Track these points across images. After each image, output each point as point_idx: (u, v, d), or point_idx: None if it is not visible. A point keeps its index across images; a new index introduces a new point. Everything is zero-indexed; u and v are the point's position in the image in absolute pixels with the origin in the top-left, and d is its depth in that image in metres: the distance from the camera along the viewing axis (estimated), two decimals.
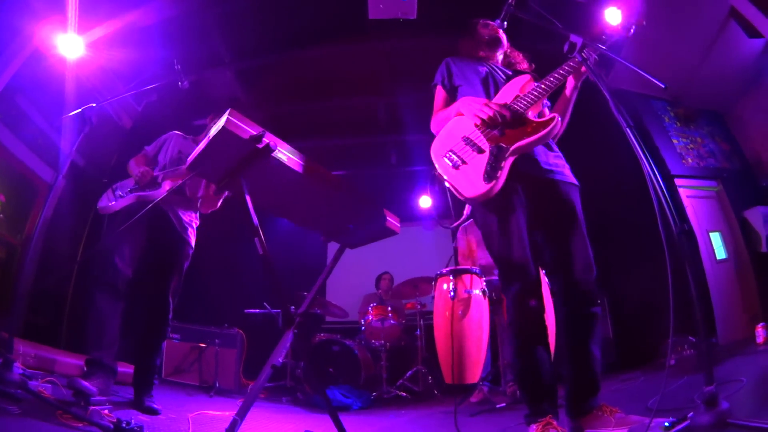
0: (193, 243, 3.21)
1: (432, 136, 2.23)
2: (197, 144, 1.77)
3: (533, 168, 2.10)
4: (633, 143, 1.64)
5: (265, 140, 1.65)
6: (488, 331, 3.98)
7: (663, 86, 1.77)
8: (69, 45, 3.32)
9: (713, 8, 4.54)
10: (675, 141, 5.35)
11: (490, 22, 2.50)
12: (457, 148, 2.06)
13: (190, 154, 1.83)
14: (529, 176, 2.07)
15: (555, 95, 2.21)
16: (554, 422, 1.78)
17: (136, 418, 2.36)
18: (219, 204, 3.35)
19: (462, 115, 2.16)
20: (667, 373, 2.84)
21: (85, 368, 2.69)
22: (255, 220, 1.81)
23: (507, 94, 2.18)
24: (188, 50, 5.10)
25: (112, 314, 2.80)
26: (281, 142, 1.75)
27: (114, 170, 5.05)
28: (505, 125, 2.01)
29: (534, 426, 1.80)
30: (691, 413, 1.34)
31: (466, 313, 3.93)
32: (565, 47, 1.97)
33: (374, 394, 4.71)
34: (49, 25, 3.68)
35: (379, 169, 7.89)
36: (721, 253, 4.83)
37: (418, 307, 5.50)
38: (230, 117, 1.61)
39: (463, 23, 2.66)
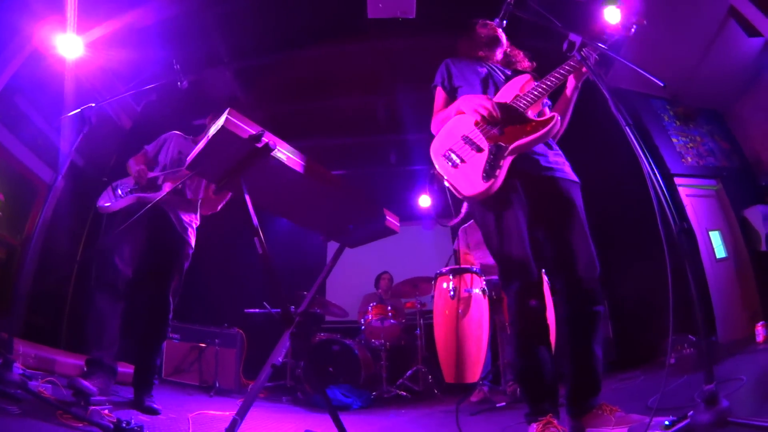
0: (193, 243, 3.21)
1: (432, 136, 2.23)
2: (197, 144, 1.76)
3: (533, 166, 2.10)
4: (632, 142, 1.64)
5: (265, 139, 1.64)
6: (488, 331, 3.98)
7: (662, 85, 1.77)
8: (68, 45, 3.32)
9: (712, 7, 4.54)
10: (674, 140, 5.35)
11: (489, 22, 2.50)
12: (457, 147, 2.06)
13: (190, 154, 1.83)
14: (528, 174, 2.07)
15: (555, 95, 2.21)
16: (555, 421, 1.78)
17: (137, 418, 2.36)
18: (219, 207, 3.36)
19: (462, 113, 2.16)
20: (667, 371, 2.84)
21: (85, 368, 2.69)
22: (254, 219, 1.81)
23: (507, 93, 2.18)
24: (187, 50, 5.10)
25: (112, 314, 2.80)
26: (281, 141, 1.74)
27: (113, 170, 5.05)
28: (505, 124, 2.01)
29: (534, 425, 1.80)
30: (691, 412, 1.34)
31: (466, 312, 3.93)
32: (564, 46, 1.97)
33: (374, 393, 4.72)
34: (48, 25, 3.67)
35: (378, 169, 7.89)
36: (720, 251, 4.83)
37: (418, 306, 5.50)
38: (229, 116, 1.61)
39: (462, 22, 2.65)
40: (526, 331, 1.94)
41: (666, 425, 1.39)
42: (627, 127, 1.65)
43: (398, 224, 2.27)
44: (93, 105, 2.81)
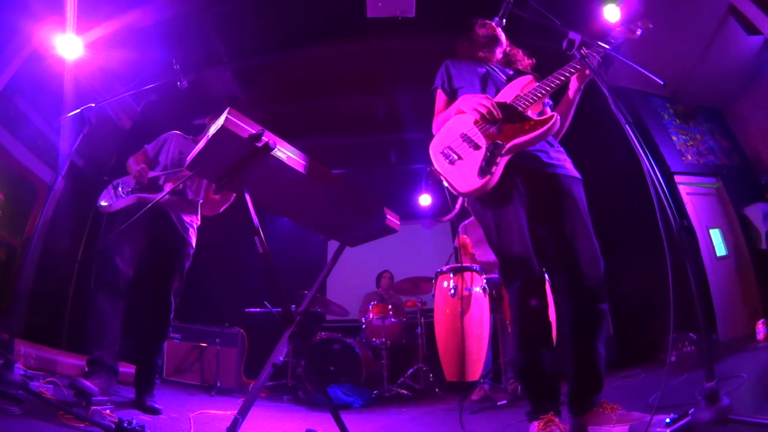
0: (194, 243, 3.21)
1: (432, 136, 2.24)
2: (197, 144, 1.76)
3: (533, 162, 2.10)
4: (632, 140, 1.64)
5: (264, 139, 1.64)
6: (489, 329, 3.98)
7: (662, 83, 1.77)
8: (68, 45, 3.32)
9: (712, 5, 4.54)
10: (674, 138, 5.35)
11: (488, 21, 2.50)
12: (455, 145, 2.07)
13: (190, 154, 1.83)
14: (529, 170, 2.07)
15: (558, 96, 2.21)
16: (556, 419, 1.78)
17: (138, 417, 2.37)
18: (222, 209, 3.35)
19: (462, 113, 2.16)
20: (667, 369, 2.84)
21: (87, 368, 2.68)
22: (255, 218, 1.81)
23: (508, 93, 2.18)
24: (187, 50, 5.10)
25: (112, 314, 2.80)
26: (280, 140, 1.74)
27: (113, 170, 5.05)
28: (504, 122, 2.01)
29: (536, 423, 1.80)
30: (692, 410, 1.34)
31: (466, 310, 3.92)
32: (564, 44, 1.97)
33: (375, 392, 4.72)
34: (47, 26, 3.67)
35: (378, 168, 7.90)
36: (721, 249, 4.83)
37: (419, 304, 5.50)
38: (229, 116, 1.61)
39: (462, 21, 2.65)
40: (528, 330, 1.94)
41: (667, 423, 1.39)
42: (627, 125, 1.65)
43: (398, 223, 2.27)
44: (93, 105, 2.81)
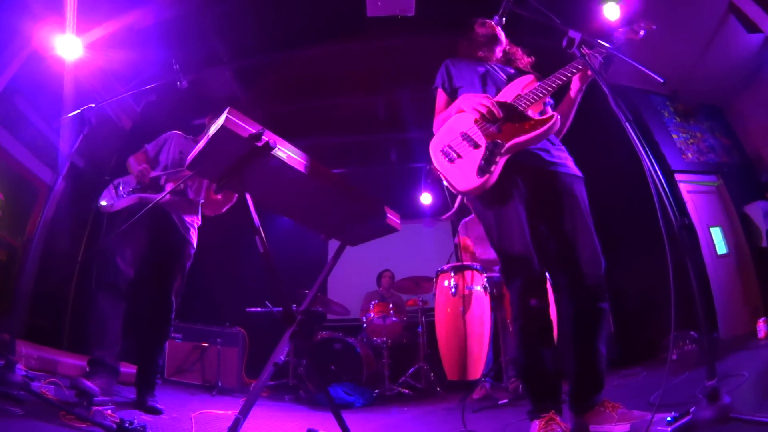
0: (195, 243, 3.21)
1: (432, 135, 2.24)
2: (197, 144, 1.76)
3: (534, 160, 2.10)
4: (633, 138, 1.64)
5: (265, 138, 1.64)
6: (490, 327, 3.99)
7: (662, 81, 1.77)
8: (67, 46, 3.32)
9: (712, 3, 4.54)
10: (675, 136, 5.35)
11: (488, 21, 2.50)
12: (455, 143, 2.07)
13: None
14: (530, 168, 2.07)
15: (559, 95, 2.21)
16: (557, 418, 1.78)
17: (139, 417, 2.37)
18: (224, 209, 3.34)
19: (463, 111, 2.16)
20: (668, 368, 2.83)
21: (88, 368, 2.68)
22: (255, 218, 1.82)
23: (509, 93, 2.17)
24: (186, 50, 5.10)
25: (113, 314, 2.80)
26: (281, 140, 1.74)
27: (114, 171, 5.05)
28: (504, 122, 2.01)
29: (537, 422, 1.80)
30: (694, 408, 1.34)
31: (467, 309, 3.93)
32: (564, 42, 1.97)
33: (376, 391, 4.73)
34: (47, 27, 3.67)
35: (379, 167, 7.89)
36: (721, 248, 4.83)
37: (420, 303, 5.51)
38: (229, 115, 1.61)
39: (461, 19, 2.65)
40: (529, 328, 1.94)
41: (668, 421, 1.39)
42: (627, 124, 1.65)
43: (399, 222, 2.27)
44: (93, 106, 2.81)
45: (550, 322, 1.97)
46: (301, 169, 1.81)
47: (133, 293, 2.88)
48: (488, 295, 4.02)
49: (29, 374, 2.14)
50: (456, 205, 4.07)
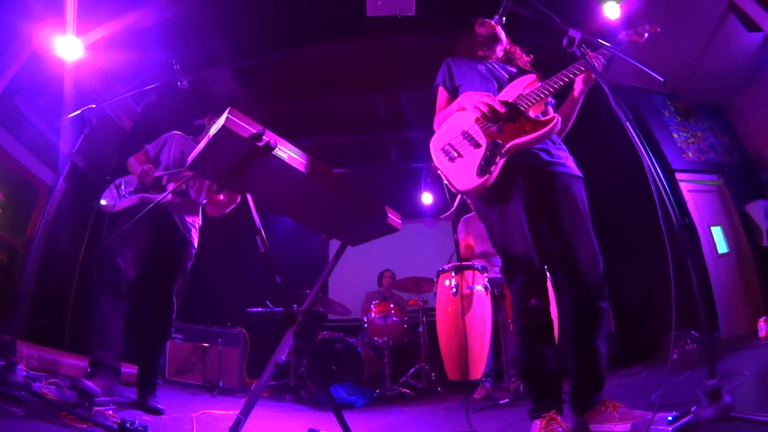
0: (196, 243, 3.21)
1: (433, 132, 2.24)
2: (198, 144, 1.76)
3: (535, 160, 2.10)
4: (633, 137, 1.64)
5: (266, 138, 1.64)
6: (491, 327, 3.99)
7: (662, 80, 1.76)
8: (68, 47, 3.33)
9: (712, 2, 4.54)
10: (675, 135, 5.35)
11: (488, 20, 2.50)
12: (455, 142, 2.07)
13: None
14: (530, 168, 2.08)
15: (562, 94, 2.20)
16: (558, 417, 1.78)
17: (140, 418, 2.37)
18: (228, 210, 3.32)
19: (464, 109, 2.16)
20: (669, 367, 2.83)
21: (89, 369, 2.69)
22: (256, 218, 1.82)
23: (511, 92, 2.17)
24: (187, 50, 5.10)
25: (114, 315, 2.80)
26: (281, 140, 1.74)
27: (114, 171, 5.05)
28: (505, 122, 2.01)
29: (538, 421, 1.80)
30: (695, 407, 1.34)
31: (468, 309, 3.93)
32: (564, 42, 1.97)
33: (378, 391, 4.73)
34: (47, 28, 3.68)
35: (379, 167, 7.89)
36: (722, 247, 4.83)
37: (421, 303, 5.51)
38: (230, 116, 1.61)
39: (461, 19, 2.65)
40: (529, 327, 1.94)
41: (669, 421, 1.39)
42: (627, 123, 1.65)
43: (400, 221, 2.27)
44: (93, 106, 2.82)
45: (551, 321, 1.97)
46: (302, 169, 1.81)
47: (134, 294, 2.89)
48: (489, 294, 4.02)
49: (30, 375, 2.14)
50: (455, 204, 4.08)
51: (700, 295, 1.47)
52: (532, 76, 2.22)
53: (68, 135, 4.44)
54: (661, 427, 1.43)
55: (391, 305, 5.45)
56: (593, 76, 2.06)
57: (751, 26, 4.39)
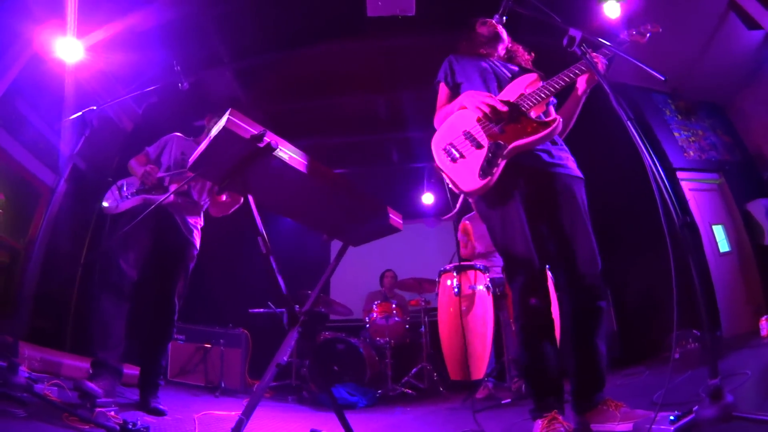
0: (198, 244, 3.21)
1: (434, 132, 2.24)
2: (198, 145, 1.76)
3: (536, 161, 2.10)
4: (634, 137, 1.64)
5: (266, 139, 1.64)
6: (492, 327, 3.99)
7: (663, 79, 1.77)
8: (68, 48, 3.32)
9: (712, 0, 4.53)
10: (676, 134, 5.34)
11: (488, 20, 2.50)
12: (457, 142, 2.07)
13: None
14: (531, 169, 2.08)
15: (565, 93, 2.20)
16: (560, 417, 1.78)
17: (143, 419, 2.38)
18: (231, 210, 3.31)
19: (465, 108, 2.16)
20: (671, 367, 2.83)
21: (91, 370, 2.69)
22: (258, 219, 1.82)
23: (512, 92, 2.17)
24: (187, 51, 5.10)
25: (117, 316, 2.80)
26: (282, 141, 1.74)
27: (116, 173, 5.05)
28: (506, 122, 2.01)
29: (539, 421, 1.80)
30: (696, 407, 1.34)
31: (470, 309, 3.93)
32: (564, 41, 1.97)
33: (380, 391, 4.72)
34: (48, 29, 3.68)
35: (380, 167, 7.89)
36: (724, 246, 4.82)
37: (423, 303, 5.50)
38: (231, 117, 1.61)
39: (462, 19, 2.65)
40: (530, 327, 1.95)
41: (671, 420, 1.39)
42: (628, 122, 1.65)
43: (401, 222, 2.27)
44: (94, 108, 2.82)
45: (552, 320, 1.98)
46: (303, 169, 1.81)
47: (136, 295, 2.89)
48: (491, 294, 4.02)
49: (32, 376, 2.15)
50: (458, 205, 4.08)
51: (701, 295, 1.47)
52: (534, 75, 2.22)
53: (69, 136, 4.45)
54: (662, 427, 1.43)
55: (393, 305, 5.44)
56: (595, 78, 2.06)
57: (752, 24, 4.39)
